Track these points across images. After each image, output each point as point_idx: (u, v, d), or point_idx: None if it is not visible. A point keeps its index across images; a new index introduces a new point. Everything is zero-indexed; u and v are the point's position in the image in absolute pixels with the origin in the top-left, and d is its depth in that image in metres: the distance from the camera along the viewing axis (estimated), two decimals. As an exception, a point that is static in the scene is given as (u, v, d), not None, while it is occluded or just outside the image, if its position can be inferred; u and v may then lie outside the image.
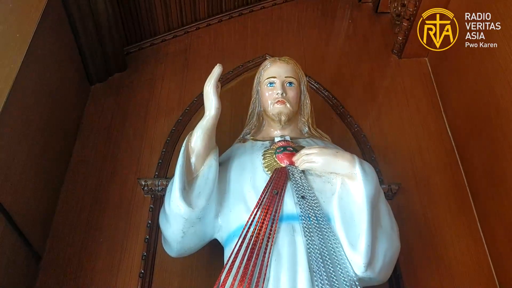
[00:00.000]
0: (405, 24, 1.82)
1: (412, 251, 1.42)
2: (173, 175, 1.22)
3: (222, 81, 1.69)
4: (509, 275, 1.34)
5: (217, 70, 1.21)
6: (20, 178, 1.25)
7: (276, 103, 1.31)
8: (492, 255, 1.43)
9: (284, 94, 1.31)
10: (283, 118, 1.31)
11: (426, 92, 1.82)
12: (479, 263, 1.43)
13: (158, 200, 1.51)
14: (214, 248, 1.31)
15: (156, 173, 1.57)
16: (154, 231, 1.44)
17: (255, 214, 1.10)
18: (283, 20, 2.10)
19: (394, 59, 1.94)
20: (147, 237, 1.43)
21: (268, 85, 1.34)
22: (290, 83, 1.34)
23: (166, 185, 1.46)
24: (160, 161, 1.60)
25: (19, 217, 1.23)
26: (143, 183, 1.52)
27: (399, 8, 1.87)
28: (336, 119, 1.75)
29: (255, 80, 1.42)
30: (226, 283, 1.00)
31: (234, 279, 0.99)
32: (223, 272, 1.03)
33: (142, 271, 1.37)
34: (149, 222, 1.46)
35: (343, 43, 2.05)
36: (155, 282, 1.36)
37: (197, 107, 1.74)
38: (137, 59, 1.91)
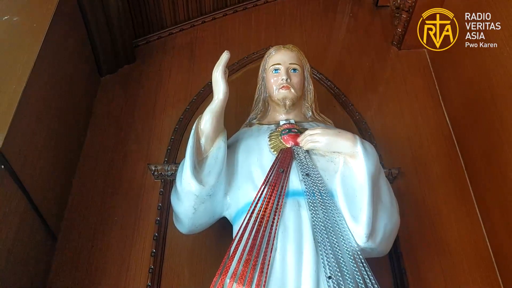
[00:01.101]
0: (404, 16, 1.88)
1: (411, 232, 1.48)
2: (181, 160, 1.30)
3: (228, 72, 1.75)
4: (505, 253, 1.40)
5: (224, 57, 1.27)
6: (38, 161, 1.32)
7: (281, 88, 1.37)
8: (489, 236, 1.48)
9: (289, 80, 1.37)
10: (287, 102, 1.37)
11: (425, 81, 1.88)
12: (477, 244, 1.49)
13: (168, 184, 1.57)
14: (222, 228, 1.38)
15: (166, 159, 1.63)
16: (165, 213, 1.50)
17: (263, 191, 1.16)
18: (286, 14, 2.17)
19: (394, 51, 2.00)
20: (158, 218, 1.49)
21: (273, 71, 1.40)
22: (294, 69, 1.40)
23: (175, 170, 1.52)
24: (169, 148, 1.66)
25: (38, 198, 1.30)
26: (153, 168, 1.58)
27: (399, 1, 1.93)
28: (338, 107, 1.81)
29: (261, 68, 1.48)
30: (235, 253, 1.07)
31: (244, 250, 1.06)
32: (232, 243, 1.09)
33: (154, 251, 1.43)
34: (159, 205, 1.52)
35: (345, 35, 2.11)
36: (166, 260, 1.42)
37: (204, 97, 1.80)
38: (145, 51, 1.98)
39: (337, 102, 1.82)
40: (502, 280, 1.40)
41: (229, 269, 1.05)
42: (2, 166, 1.10)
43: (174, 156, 1.65)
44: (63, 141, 1.50)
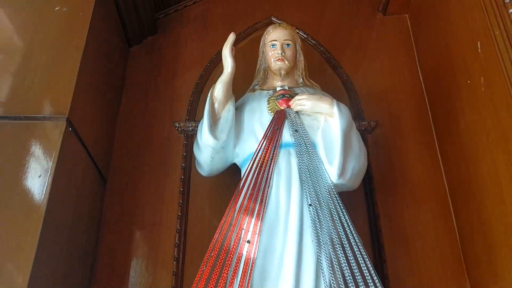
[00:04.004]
0: (388, -15, 2.15)
1: (384, 173, 1.88)
2: (200, 118, 1.67)
3: (236, 39, 2.06)
4: (457, 189, 1.78)
5: (231, 37, 1.62)
6: (92, 124, 1.71)
7: (277, 60, 1.72)
8: (447, 178, 1.85)
9: (283, 54, 1.72)
10: (282, 72, 1.72)
11: (404, 44, 2.19)
12: (437, 185, 1.87)
13: (189, 138, 1.96)
14: (232, 173, 1.76)
15: (187, 117, 2.01)
16: (188, 161, 1.91)
17: (262, 143, 1.54)
18: (286, -14, 2.44)
19: (379, 17, 2.29)
20: (183, 165, 1.90)
21: (271, 46, 1.75)
22: (288, 44, 1.74)
23: (195, 126, 1.90)
24: (189, 108, 2.04)
25: (93, 151, 1.70)
26: (177, 125, 1.97)
27: (384, -29, 2.20)
28: (329, 69, 2.14)
29: (261, 43, 1.83)
30: (243, 188, 1.47)
31: (249, 186, 1.46)
32: (241, 182, 1.49)
33: (181, 189, 1.84)
34: (184, 154, 1.92)
35: (338, 5, 2.35)
36: (192, 197, 1.85)
37: (216, 63, 2.13)
38: (165, 24, 2.29)
39: (328, 66, 2.15)
40: (455, 214, 1.79)
41: (237, 202, 1.46)
42: (70, 129, 1.49)
43: (194, 114, 2.02)
44: (106, 104, 1.89)
